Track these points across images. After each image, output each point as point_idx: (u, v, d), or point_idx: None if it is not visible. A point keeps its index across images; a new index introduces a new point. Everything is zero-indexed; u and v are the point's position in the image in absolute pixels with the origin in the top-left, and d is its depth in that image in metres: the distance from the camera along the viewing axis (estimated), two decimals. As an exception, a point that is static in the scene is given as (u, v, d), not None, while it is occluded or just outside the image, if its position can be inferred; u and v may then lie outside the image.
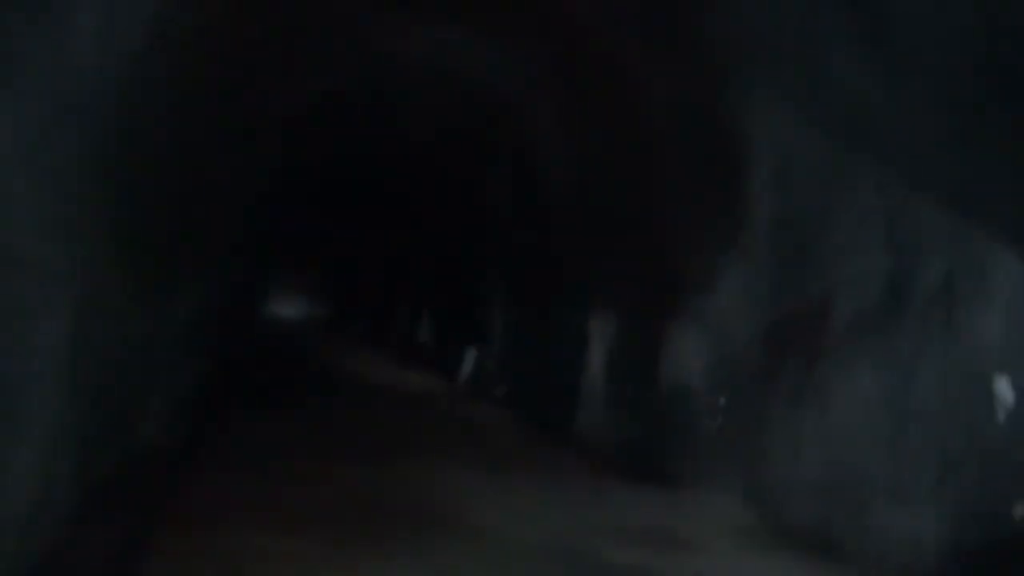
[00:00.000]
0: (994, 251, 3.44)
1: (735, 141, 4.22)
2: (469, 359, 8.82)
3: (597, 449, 5.81)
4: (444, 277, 9.60)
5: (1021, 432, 3.21)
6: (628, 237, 5.50)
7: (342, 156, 8.29)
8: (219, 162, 4.99)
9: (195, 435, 5.27)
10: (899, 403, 3.50)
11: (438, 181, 8.58)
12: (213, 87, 4.25)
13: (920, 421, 3.42)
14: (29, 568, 2.88)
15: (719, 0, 3.86)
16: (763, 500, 4.09)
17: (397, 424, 6.88)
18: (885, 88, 3.70)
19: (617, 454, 5.49)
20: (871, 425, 3.57)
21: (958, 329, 3.43)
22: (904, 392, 3.48)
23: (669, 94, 4.55)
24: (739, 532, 3.97)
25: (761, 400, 4.12)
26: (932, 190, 3.61)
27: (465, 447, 6.12)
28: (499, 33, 5.16)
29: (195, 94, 4.00)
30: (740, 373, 4.30)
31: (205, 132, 4.48)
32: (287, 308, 19.55)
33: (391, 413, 7.55)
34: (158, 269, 4.31)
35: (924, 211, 3.63)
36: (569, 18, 4.74)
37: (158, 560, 3.28)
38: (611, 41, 4.72)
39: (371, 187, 9.53)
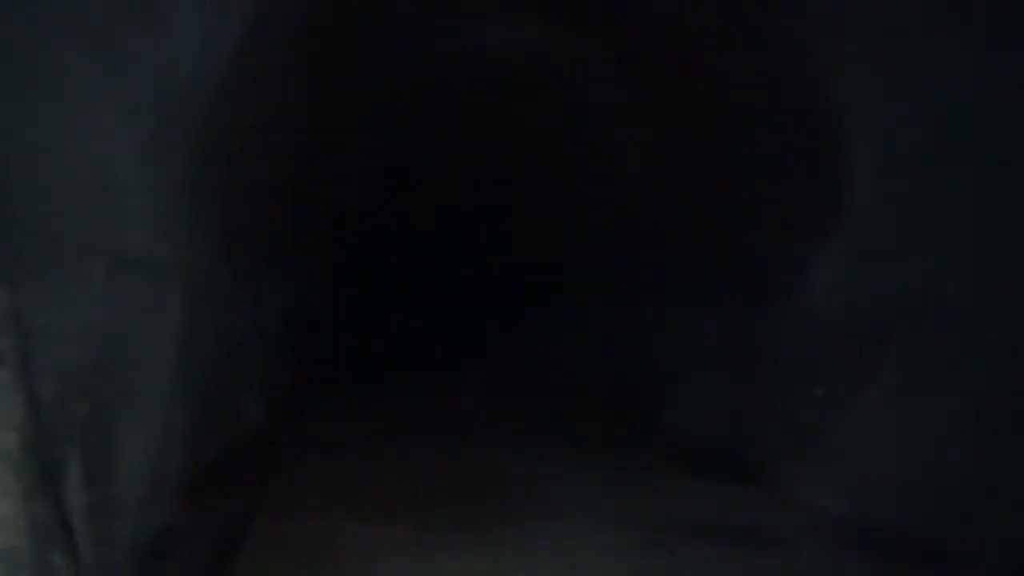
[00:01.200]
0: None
1: (827, 122, 4.10)
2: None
3: (687, 444, 5.74)
4: (543, 280, 9.62)
5: None
6: (717, 227, 5.41)
7: (432, 156, 8.40)
8: (315, 161, 5.14)
9: (294, 422, 5.45)
10: (1010, 399, 3.35)
11: (529, 180, 8.60)
12: (308, 87, 4.37)
13: (1020, 417, 3.27)
14: (146, 545, 3.04)
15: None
16: (861, 498, 3.97)
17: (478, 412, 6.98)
18: (984, 62, 3.55)
19: (707, 449, 5.41)
20: (979, 421, 3.43)
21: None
22: (1016, 388, 3.33)
23: (754, 77, 4.45)
24: (836, 531, 3.87)
25: (860, 394, 4.00)
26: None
27: (554, 439, 6.14)
28: (581, 26, 5.14)
29: (291, 94, 4.12)
30: (837, 365, 4.19)
31: (300, 131, 4.61)
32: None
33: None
34: (259, 263, 4.48)
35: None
36: (649, 5, 4.68)
37: (257, 543, 3.41)
38: (691, 27, 4.65)
39: (461, 190, 9.63)
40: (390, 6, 4.61)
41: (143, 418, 3.10)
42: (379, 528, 3.66)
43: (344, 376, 8.36)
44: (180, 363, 3.43)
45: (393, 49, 5.25)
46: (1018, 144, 3.50)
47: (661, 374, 6.36)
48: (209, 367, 3.86)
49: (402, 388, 8.27)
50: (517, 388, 8.79)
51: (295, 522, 3.69)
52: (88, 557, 2.46)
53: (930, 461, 3.66)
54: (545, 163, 7.78)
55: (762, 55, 4.32)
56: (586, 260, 8.18)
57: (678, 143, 5.55)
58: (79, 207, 2.55)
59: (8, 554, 2.04)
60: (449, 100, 6.73)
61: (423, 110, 6.91)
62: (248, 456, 4.51)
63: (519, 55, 5.75)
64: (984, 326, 3.52)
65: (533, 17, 5.15)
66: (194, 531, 3.47)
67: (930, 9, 3.44)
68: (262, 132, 3.96)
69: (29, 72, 2.25)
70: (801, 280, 4.43)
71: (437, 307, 12.13)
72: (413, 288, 11.85)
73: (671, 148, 5.68)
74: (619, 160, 6.38)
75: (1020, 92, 3.45)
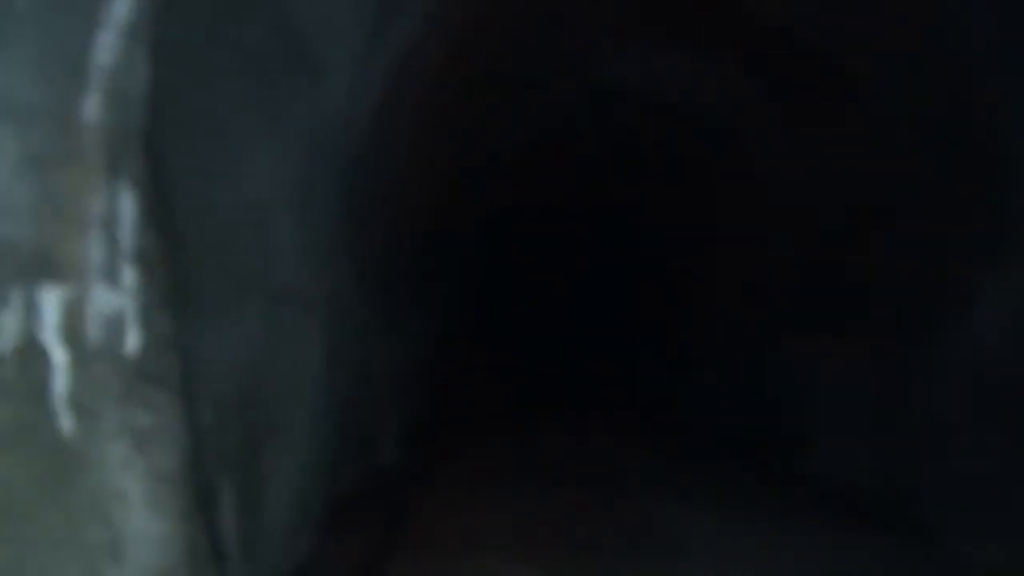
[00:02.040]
0: None
1: (995, 147, 3.83)
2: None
3: (838, 492, 5.39)
4: (674, 311, 9.45)
5: None
6: (874, 257, 5.13)
7: (566, 193, 8.46)
8: (454, 197, 5.26)
9: (431, 455, 5.50)
10: None
11: (667, 208, 8.48)
12: (448, 128, 4.49)
13: None
14: (290, 573, 3.11)
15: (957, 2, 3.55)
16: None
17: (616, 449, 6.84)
18: None
19: (861, 498, 5.07)
20: None
21: None
22: None
23: (913, 105, 4.23)
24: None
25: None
26: None
27: (696, 486, 5.92)
28: (720, 55, 5.06)
29: (432, 136, 4.24)
30: (1010, 405, 3.84)
31: (440, 170, 4.73)
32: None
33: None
34: (397, 298, 4.58)
35: None
36: (789, 33, 4.56)
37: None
38: (845, 57, 4.49)
39: (595, 225, 9.62)
40: (524, 44, 4.69)
41: (290, 449, 3.20)
42: (519, 568, 3.61)
43: (479, 410, 8.40)
44: (323, 395, 3.53)
45: (531, 88, 5.33)
46: None
47: (809, 416, 6.04)
48: (349, 399, 3.95)
49: (539, 423, 8.23)
50: (654, 425, 8.59)
51: (434, 560, 3.68)
52: (238, 582, 2.52)
53: None
54: (697, 197, 7.64)
55: (923, 85, 4.11)
56: (733, 295, 7.94)
57: (837, 170, 5.33)
58: (237, 244, 2.68)
59: (165, 574, 2.11)
60: (598, 139, 6.74)
61: (568, 148, 6.96)
62: (385, 489, 4.57)
63: (671, 93, 5.71)
64: None
65: (688, 55, 5.11)
66: (336, 562, 3.53)
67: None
68: (403, 171, 4.08)
69: (202, 121, 2.40)
70: (969, 313, 4.11)
71: (574, 343, 12.08)
72: (552, 323, 11.85)
73: (823, 176, 5.46)
74: (774, 193, 6.19)
75: None
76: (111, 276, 1.93)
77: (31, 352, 1.89)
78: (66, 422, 1.93)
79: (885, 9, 3.97)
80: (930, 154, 4.36)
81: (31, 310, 1.88)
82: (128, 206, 1.91)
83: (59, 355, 1.92)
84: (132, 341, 1.98)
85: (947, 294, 4.31)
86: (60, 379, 1.93)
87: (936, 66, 3.92)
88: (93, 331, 1.94)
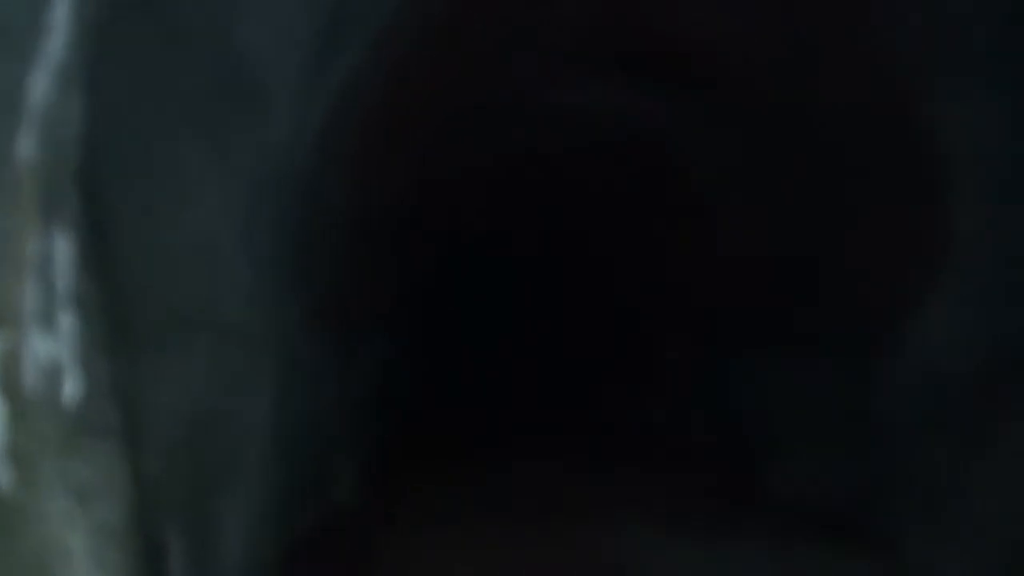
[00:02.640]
0: None
1: (932, 153, 3.93)
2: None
3: (797, 509, 5.45)
4: (633, 335, 9.51)
5: None
6: (820, 274, 5.23)
7: (517, 220, 8.48)
8: (406, 231, 5.22)
9: (390, 494, 5.39)
10: None
11: (631, 236, 8.57)
12: (395, 154, 4.46)
13: None
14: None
15: (901, 10, 3.65)
16: (995, 566, 3.66)
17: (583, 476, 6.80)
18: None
19: (820, 514, 5.12)
20: None
21: None
22: None
23: (852, 115, 4.34)
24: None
25: (991, 449, 3.73)
26: None
27: (655, 505, 5.92)
28: (674, 89, 5.14)
29: (378, 163, 4.20)
30: (963, 418, 3.92)
31: (390, 204, 4.69)
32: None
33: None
34: (350, 332, 4.51)
35: None
36: (742, 62, 4.65)
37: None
38: (788, 89, 4.59)
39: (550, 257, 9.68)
40: (475, 69, 4.70)
41: (242, 493, 3.09)
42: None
43: (438, 444, 8.29)
44: (275, 436, 3.43)
45: (482, 114, 5.33)
46: None
47: (766, 431, 6.11)
48: (303, 440, 3.86)
49: (500, 452, 8.15)
50: (616, 447, 8.58)
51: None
52: (190, 637, 2.42)
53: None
54: (647, 219, 7.72)
55: (866, 90, 4.21)
56: (687, 313, 8.02)
57: (778, 190, 5.43)
58: (183, 284, 2.60)
59: (112, 634, 2.01)
60: (545, 166, 6.78)
61: (520, 175, 6.97)
62: (343, 530, 4.46)
63: (614, 119, 5.76)
64: None
65: (629, 81, 5.17)
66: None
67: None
68: (351, 204, 4.03)
69: (142, 159, 2.34)
70: (914, 326, 4.20)
71: (533, 366, 12.06)
72: (509, 350, 11.81)
73: (770, 195, 5.56)
74: (721, 211, 6.29)
75: None
76: (48, 322, 1.85)
77: (-37, 405, 1.79)
78: (4, 476, 1.85)
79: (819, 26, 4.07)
80: (875, 175, 4.47)
81: (-38, 360, 1.79)
82: (64, 248, 1.84)
83: (-6, 407, 1.83)
84: (71, 390, 1.90)
85: (898, 309, 4.41)
86: (-5, 432, 1.83)
87: (880, 91, 4.03)
88: (30, 380, 1.86)
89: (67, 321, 1.87)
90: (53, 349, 1.86)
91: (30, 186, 1.85)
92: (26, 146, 1.84)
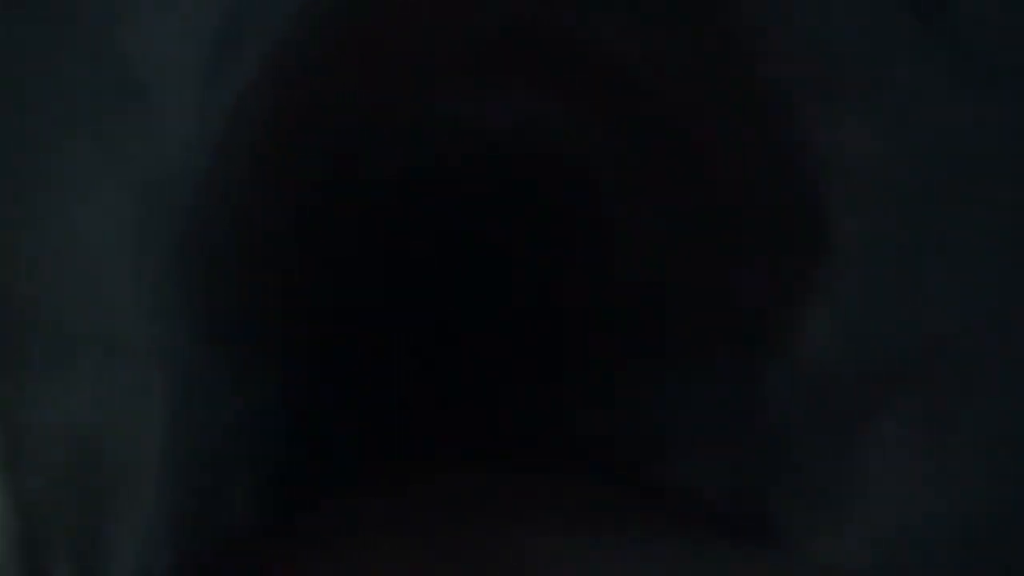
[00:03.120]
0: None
1: (808, 169, 4.16)
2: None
3: (693, 504, 5.62)
4: (532, 345, 9.59)
5: None
6: (713, 281, 5.43)
7: (421, 234, 8.44)
8: (304, 242, 5.12)
9: (288, 511, 5.25)
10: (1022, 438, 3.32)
11: (516, 251, 8.65)
12: (295, 168, 4.38)
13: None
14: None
15: (776, 28, 3.85)
16: (879, 553, 3.88)
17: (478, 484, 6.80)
18: (965, 111, 3.63)
19: (715, 509, 5.30)
20: (1000, 462, 3.38)
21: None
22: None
23: (741, 140, 4.54)
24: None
25: (870, 444, 3.95)
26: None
27: (555, 504, 5.98)
28: (571, 100, 5.24)
29: (278, 176, 4.12)
30: (845, 415, 4.15)
31: (287, 215, 4.60)
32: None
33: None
34: (245, 347, 4.39)
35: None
36: (633, 79, 4.80)
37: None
38: (672, 96, 4.76)
39: (451, 263, 9.66)
40: (376, 83, 4.67)
41: (133, 514, 2.96)
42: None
43: (338, 459, 8.15)
44: (168, 455, 3.31)
45: (382, 127, 5.30)
46: (1004, 177, 3.57)
47: (663, 431, 6.28)
48: (197, 458, 3.73)
49: (402, 466, 8.07)
50: (518, 455, 8.63)
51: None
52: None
53: (949, 509, 3.59)
54: (544, 228, 7.82)
55: (753, 115, 4.41)
56: (584, 317, 8.17)
57: (671, 202, 5.61)
58: (68, 299, 2.49)
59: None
60: (444, 174, 6.79)
61: (422, 189, 6.96)
62: (240, 549, 4.32)
63: (514, 129, 5.84)
64: (998, 364, 3.52)
65: (528, 92, 5.25)
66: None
67: (907, 49, 3.54)
68: (247, 218, 3.94)
69: (24, 169, 2.22)
70: (799, 329, 4.43)
71: (437, 381, 12.02)
72: (410, 363, 11.74)
73: (663, 205, 5.73)
74: (617, 223, 6.44)
75: (1003, 127, 3.53)
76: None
77: None
78: None
79: (706, 43, 4.24)
80: (755, 189, 4.69)
81: None
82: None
83: None
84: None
85: (783, 316, 4.62)
86: None
87: (762, 112, 4.23)
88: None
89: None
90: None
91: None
92: None
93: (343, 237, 6.21)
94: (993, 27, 3.31)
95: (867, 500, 4.00)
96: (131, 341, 2.98)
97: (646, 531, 5.14)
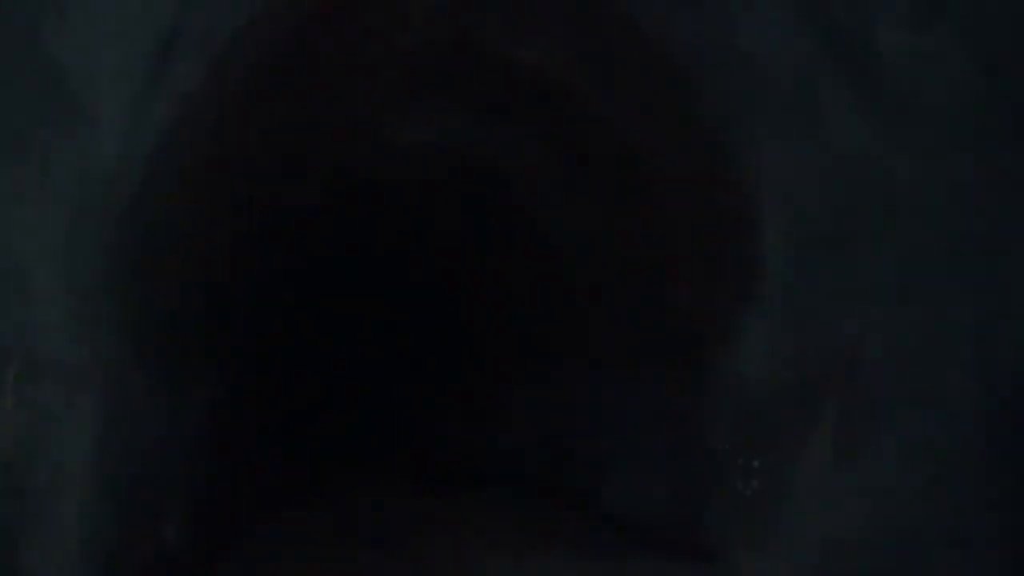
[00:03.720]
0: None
1: (742, 193, 4.27)
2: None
3: (630, 522, 5.66)
4: (463, 362, 9.58)
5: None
6: (644, 301, 5.51)
7: (362, 249, 8.38)
8: (237, 260, 5.04)
9: (215, 536, 5.13)
10: (951, 449, 3.45)
11: (447, 267, 8.66)
12: (228, 184, 4.32)
13: (968, 462, 3.36)
14: None
15: (714, 62, 3.97)
16: (811, 566, 3.97)
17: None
18: (884, 136, 3.79)
19: (651, 527, 5.36)
20: (926, 472, 3.50)
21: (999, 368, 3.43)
22: (954, 435, 3.44)
23: (672, 158, 4.64)
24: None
25: (799, 458, 4.05)
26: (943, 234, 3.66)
27: (494, 527, 5.97)
28: (507, 117, 5.29)
29: (211, 194, 4.06)
30: (773, 431, 4.24)
31: (221, 231, 4.53)
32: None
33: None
34: (178, 365, 4.30)
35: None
36: (571, 95, 4.87)
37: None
38: (615, 119, 4.85)
39: (380, 277, 9.62)
40: (310, 102, 4.65)
41: (58, 538, 2.87)
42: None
43: (272, 479, 8.00)
44: (95, 477, 3.21)
45: (316, 146, 5.27)
46: (924, 196, 3.72)
47: (597, 449, 6.33)
48: (126, 479, 3.62)
49: (336, 487, 7.97)
50: (453, 475, 8.60)
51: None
52: None
53: (878, 519, 3.70)
54: (481, 248, 7.84)
55: (684, 134, 4.51)
56: (515, 338, 8.19)
57: (608, 221, 5.68)
58: (-9, 311, 2.41)
59: None
60: (378, 196, 6.77)
61: (353, 207, 6.92)
62: (171, 571, 4.20)
63: (448, 151, 5.87)
64: (917, 377, 3.65)
65: (461, 113, 5.28)
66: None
67: (831, 74, 3.67)
68: (180, 233, 3.87)
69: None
70: (728, 347, 4.52)
71: (367, 399, 11.91)
72: (344, 381, 11.60)
73: (600, 225, 5.81)
74: (549, 238, 6.51)
75: (920, 147, 3.69)
76: None
77: None
78: None
79: (641, 65, 4.34)
80: (689, 210, 4.79)
81: None
82: None
83: None
84: None
85: (715, 335, 4.72)
86: None
87: (693, 118, 4.33)
88: None
89: None
90: None
91: None
92: None
93: (274, 253, 6.14)
94: (907, 57, 3.47)
95: (795, 514, 4.10)
96: (56, 358, 2.90)
97: (576, 547, 5.17)
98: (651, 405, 5.60)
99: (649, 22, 4.02)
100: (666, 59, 4.12)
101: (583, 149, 5.33)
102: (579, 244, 6.20)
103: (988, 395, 3.45)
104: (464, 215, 7.22)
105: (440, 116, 5.35)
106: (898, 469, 3.69)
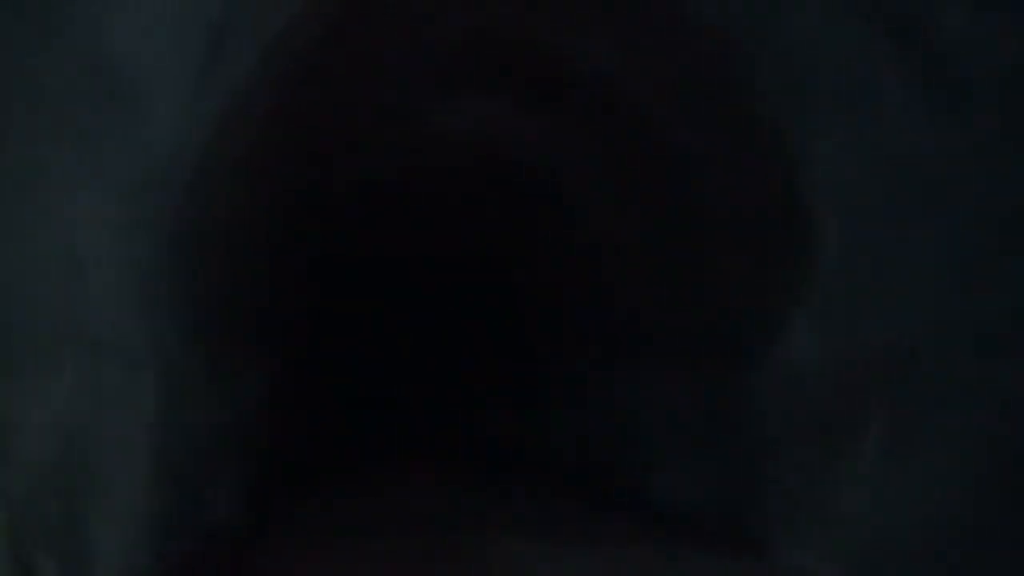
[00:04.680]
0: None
1: (789, 173, 4.21)
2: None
3: (674, 516, 5.66)
4: (509, 352, 9.64)
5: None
6: (692, 293, 5.47)
7: (400, 240, 8.47)
8: (291, 245, 5.14)
9: (268, 512, 5.25)
10: (1008, 442, 3.38)
11: (479, 260, 8.70)
12: (277, 173, 4.40)
13: None
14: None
15: (767, 45, 3.91)
16: (862, 562, 3.93)
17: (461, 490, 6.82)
18: (941, 125, 3.70)
19: (696, 520, 5.34)
20: (979, 468, 3.44)
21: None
22: (1006, 426, 3.37)
23: (718, 143, 4.59)
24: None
25: (850, 452, 4.00)
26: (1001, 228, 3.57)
27: (536, 518, 6.01)
28: (543, 108, 5.29)
29: (266, 179, 4.14)
30: (824, 424, 4.20)
31: (276, 216, 4.62)
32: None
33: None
34: (230, 348, 4.40)
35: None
36: (608, 86, 4.84)
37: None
38: (655, 111, 4.81)
39: (415, 275, 9.71)
40: (356, 89, 4.70)
41: (117, 514, 2.97)
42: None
43: (319, 462, 8.16)
44: (152, 455, 3.31)
45: (365, 131, 5.32)
46: (980, 186, 3.64)
47: (640, 443, 6.32)
48: (180, 458, 3.74)
49: (381, 472, 8.08)
50: (496, 465, 8.66)
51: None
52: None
53: (930, 516, 3.65)
54: (519, 235, 7.87)
55: (724, 123, 4.46)
56: (560, 322, 8.21)
57: (650, 216, 5.65)
58: (54, 297, 2.50)
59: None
60: (425, 183, 6.82)
61: (404, 192, 6.98)
62: (220, 549, 4.33)
63: (495, 142, 5.89)
64: (972, 368, 3.59)
65: (504, 104, 5.29)
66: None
67: (884, 62, 3.60)
68: (236, 218, 3.95)
69: (20, 170, 2.24)
70: (778, 339, 4.48)
71: (413, 385, 12.08)
72: (392, 366, 11.78)
73: (643, 221, 5.78)
74: (594, 229, 6.49)
75: (976, 136, 3.61)
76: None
77: None
78: None
79: (678, 49, 4.28)
80: (741, 197, 4.74)
81: None
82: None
83: None
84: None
85: (763, 327, 4.67)
86: None
87: (732, 103, 4.28)
88: None
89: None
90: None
91: None
92: None
93: (324, 238, 6.23)
94: (964, 44, 3.39)
95: (845, 508, 4.06)
96: (117, 340, 2.99)
97: (622, 538, 5.17)
98: (699, 397, 5.57)
99: (698, 5, 3.98)
100: (714, 42, 4.07)
101: (628, 140, 5.29)
102: (627, 235, 6.17)
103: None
104: (509, 206, 7.23)
105: (483, 106, 5.36)
106: (952, 462, 3.63)
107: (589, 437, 7.50)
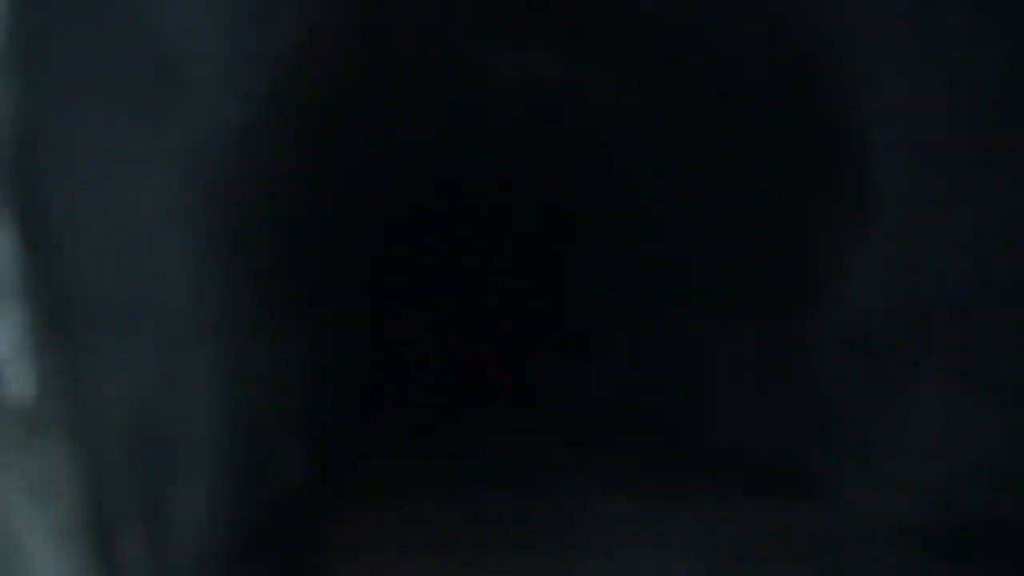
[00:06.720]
0: None
1: (848, 120, 4.07)
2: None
3: (734, 459, 5.64)
4: (563, 299, 9.63)
5: None
6: (747, 233, 5.37)
7: (452, 194, 8.46)
8: (348, 206, 5.17)
9: (343, 470, 5.37)
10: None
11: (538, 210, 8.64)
12: (331, 137, 4.40)
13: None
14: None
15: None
16: (925, 500, 3.88)
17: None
18: (1007, 60, 3.52)
19: (758, 463, 5.32)
20: None
21: None
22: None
23: (777, 84, 4.44)
24: (901, 537, 3.78)
25: (912, 392, 3.92)
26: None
27: (591, 464, 6.03)
28: (603, 56, 5.17)
29: (315, 145, 4.14)
30: (887, 363, 4.11)
31: (333, 180, 4.64)
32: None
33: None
34: (294, 310, 4.47)
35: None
36: (660, 29, 4.71)
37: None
38: (706, 50, 4.66)
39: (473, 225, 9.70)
40: (411, 48, 4.65)
41: (191, 481, 3.06)
42: None
43: (390, 420, 8.29)
44: (224, 419, 3.40)
45: (417, 92, 5.28)
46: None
47: (698, 386, 6.29)
48: (251, 420, 3.83)
49: (454, 427, 8.18)
50: (559, 415, 8.71)
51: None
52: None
53: (998, 455, 3.57)
54: (572, 184, 7.79)
55: (778, 54, 4.32)
56: (614, 269, 8.16)
57: (701, 154, 5.53)
58: (123, 271, 2.55)
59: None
60: (474, 137, 6.76)
61: (461, 146, 6.94)
62: (296, 508, 4.45)
63: (549, 94, 5.79)
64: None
65: (550, 49, 5.19)
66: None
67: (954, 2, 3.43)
68: (289, 186, 3.98)
69: (75, 145, 2.27)
70: (840, 282, 4.37)
71: (471, 338, 12.15)
72: (451, 320, 11.85)
73: (694, 160, 5.66)
74: (643, 174, 6.39)
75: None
76: (-11, 319, 1.80)
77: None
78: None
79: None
80: (799, 141, 4.60)
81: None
82: (5, 243, 1.79)
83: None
84: (18, 386, 1.86)
85: (819, 266, 4.57)
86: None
87: (803, 64, 4.13)
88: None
89: (10, 315, 1.82)
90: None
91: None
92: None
93: (387, 193, 6.24)
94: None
95: (911, 451, 3.99)
96: (182, 310, 3.05)
97: (688, 486, 5.16)
98: (760, 340, 5.50)
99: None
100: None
101: (687, 89, 5.15)
102: (684, 181, 6.06)
103: None
104: (554, 153, 7.15)
105: (542, 53, 5.25)
106: (1020, 402, 3.53)
107: (643, 386, 7.48)
